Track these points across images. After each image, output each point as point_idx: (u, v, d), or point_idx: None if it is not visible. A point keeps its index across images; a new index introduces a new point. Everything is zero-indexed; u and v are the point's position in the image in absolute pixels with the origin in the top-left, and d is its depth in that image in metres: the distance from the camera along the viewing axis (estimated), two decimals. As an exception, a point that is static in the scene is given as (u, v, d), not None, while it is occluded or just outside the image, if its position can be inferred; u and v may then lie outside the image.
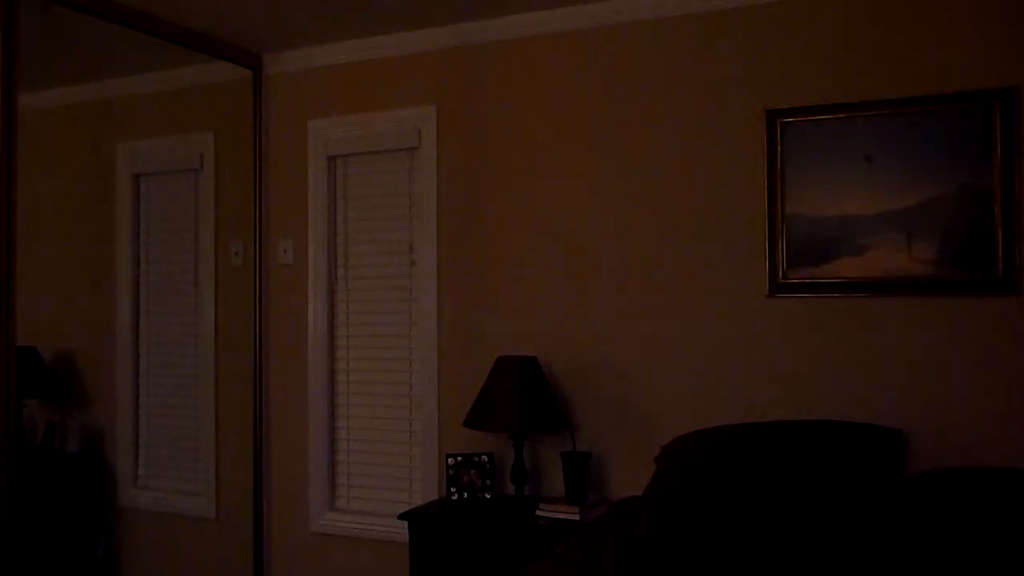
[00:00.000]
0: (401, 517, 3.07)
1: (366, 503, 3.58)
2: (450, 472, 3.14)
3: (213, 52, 3.54)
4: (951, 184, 2.62)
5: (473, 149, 3.36)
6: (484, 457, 3.14)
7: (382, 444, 3.55)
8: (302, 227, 3.68)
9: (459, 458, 3.15)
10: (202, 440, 3.93)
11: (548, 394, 3.02)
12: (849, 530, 2.18)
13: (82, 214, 4.24)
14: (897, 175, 2.69)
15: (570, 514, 2.87)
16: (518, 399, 2.95)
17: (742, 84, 2.92)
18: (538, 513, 2.92)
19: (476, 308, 3.34)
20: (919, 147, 2.66)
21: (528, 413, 2.95)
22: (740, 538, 2.28)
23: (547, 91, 3.23)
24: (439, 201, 3.41)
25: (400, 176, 3.52)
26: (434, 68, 3.43)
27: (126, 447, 4.08)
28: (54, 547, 3.86)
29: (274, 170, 3.77)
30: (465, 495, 3.12)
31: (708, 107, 2.97)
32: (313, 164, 3.66)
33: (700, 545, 2.26)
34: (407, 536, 3.05)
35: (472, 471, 3.13)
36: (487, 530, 2.92)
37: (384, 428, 3.55)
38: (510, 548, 2.83)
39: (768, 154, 2.86)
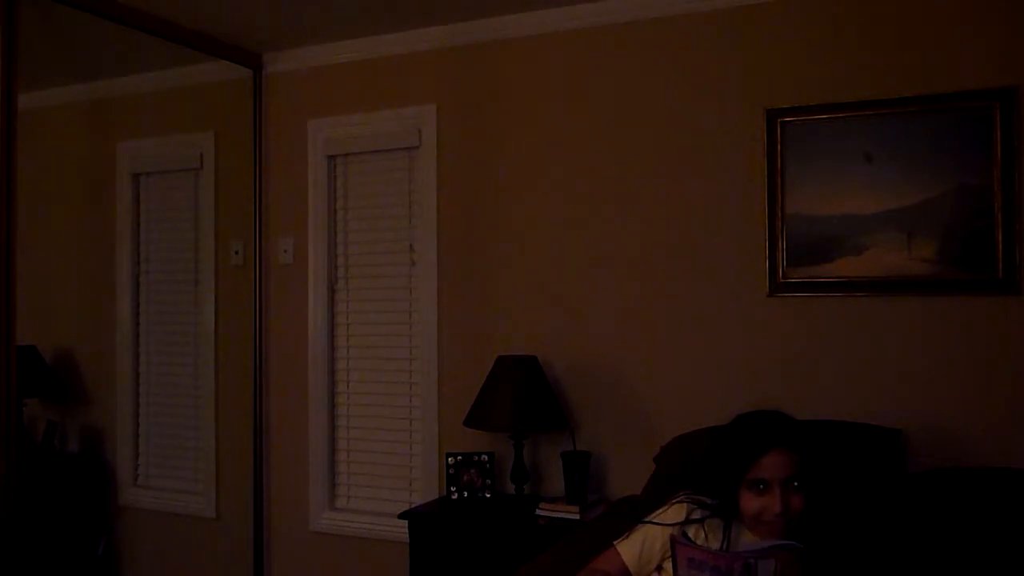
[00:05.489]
0: (401, 516, 3.07)
1: (366, 503, 3.58)
2: (450, 471, 3.14)
3: (213, 51, 3.54)
4: (951, 184, 2.62)
5: (473, 148, 3.36)
6: (484, 457, 3.14)
7: (382, 444, 3.55)
8: (302, 227, 3.68)
9: (459, 457, 3.14)
10: (202, 440, 3.93)
11: (548, 394, 3.02)
12: (849, 530, 2.18)
13: (82, 214, 4.24)
14: (897, 175, 2.69)
15: (570, 513, 2.87)
16: (518, 399, 2.95)
17: (742, 84, 2.91)
18: (538, 512, 2.92)
19: (476, 308, 3.34)
20: (919, 147, 2.66)
21: (528, 413, 2.95)
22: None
23: (547, 90, 3.23)
24: (439, 201, 3.40)
25: (400, 176, 3.52)
26: (435, 67, 3.43)
27: (126, 446, 4.08)
28: (54, 546, 3.86)
29: (274, 169, 3.77)
30: (465, 494, 3.12)
31: (708, 107, 2.97)
32: (313, 163, 3.66)
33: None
34: (407, 536, 3.05)
35: (472, 470, 3.13)
36: (487, 529, 2.92)
37: (384, 428, 3.55)
38: (510, 547, 2.83)
39: (768, 154, 2.86)
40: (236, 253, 3.85)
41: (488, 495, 3.11)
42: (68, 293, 4.25)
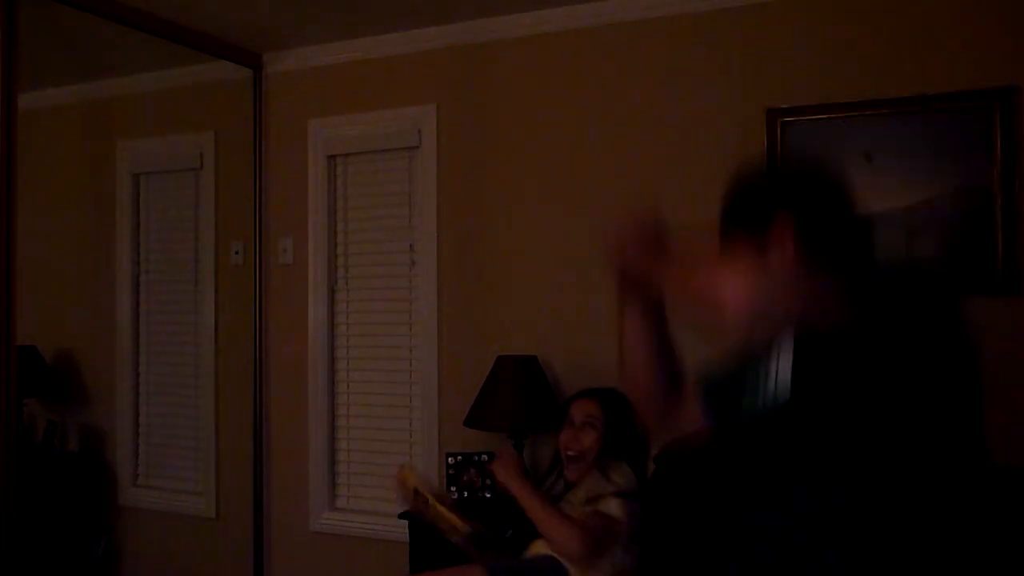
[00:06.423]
0: (401, 517, 3.07)
1: (366, 503, 3.58)
2: (450, 471, 3.13)
3: (213, 51, 3.54)
4: (951, 184, 2.62)
5: (473, 148, 3.36)
6: (484, 456, 3.14)
7: (382, 443, 3.55)
8: (302, 227, 3.68)
9: (459, 457, 3.14)
10: (202, 440, 3.92)
11: (548, 394, 3.02)
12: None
13: (82, 214, 4.24)
14: (897, 175, 2.68)
15: (570, 514, 2.87)
16: (518, 399, 2.95)
17: (742, 83, 2.91)
18: (538, 513, 2.93)
19: (476, 308, 3.34)
20: (919, 147, 2.66)
21: (528, 413, 2.95)
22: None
23: (547, 90, 3.23)
24: (439, 201, 3.40)
25: (400, 176, 3.52)
26: (434, 67, 3.43)
27: (126, 446, 4.08)
28: (54, 546, 3.86)
29: (274, 170, 3.76)
30: (465, 494, 3.12)
31: (708, 106, 2.96)
32: (313, 164, 3.66)
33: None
34: (407, 536, 3.05)
35: (472, 470, 3.13)
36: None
37: (384, 427, 3.55)
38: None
39: (768, 154, 2.85)
40: (236, 253, 3.84)
41: (488, 495, 3.11)
42: (68, 293, 4.25)
